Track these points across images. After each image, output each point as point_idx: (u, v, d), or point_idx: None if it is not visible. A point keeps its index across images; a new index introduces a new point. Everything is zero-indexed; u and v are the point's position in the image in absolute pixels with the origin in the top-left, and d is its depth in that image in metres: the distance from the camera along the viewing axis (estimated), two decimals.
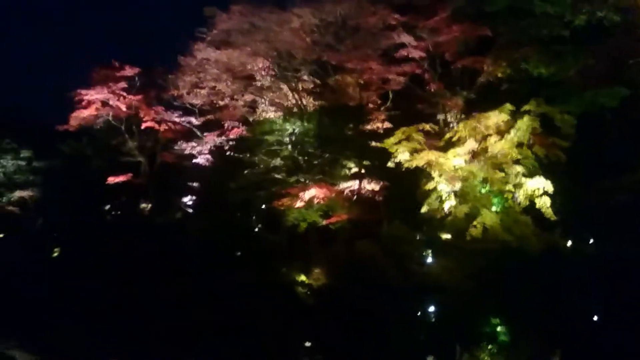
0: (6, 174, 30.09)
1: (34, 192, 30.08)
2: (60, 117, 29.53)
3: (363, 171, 24.36)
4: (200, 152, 28.19)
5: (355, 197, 23.97)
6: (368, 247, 22.04)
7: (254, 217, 27.08)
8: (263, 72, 26.43)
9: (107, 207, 30.00)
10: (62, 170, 30.00)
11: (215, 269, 22.44)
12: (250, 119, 27.50)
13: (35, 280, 23.06)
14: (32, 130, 31.14)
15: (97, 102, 28.00)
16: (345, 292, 20.37)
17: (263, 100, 27.20)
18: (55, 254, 26.56)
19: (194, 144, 28.29)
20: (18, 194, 29.90)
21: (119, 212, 29.92)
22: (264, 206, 25.89)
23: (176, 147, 28.71)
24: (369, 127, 24.81)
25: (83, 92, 27.79)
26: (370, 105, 25.48)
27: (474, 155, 21.21)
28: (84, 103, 27.94)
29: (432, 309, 19.80)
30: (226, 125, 27.65)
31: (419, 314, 19.92)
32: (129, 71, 28.52)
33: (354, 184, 24.20)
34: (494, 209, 20.52)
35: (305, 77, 26.59)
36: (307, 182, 23.73)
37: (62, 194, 28.88)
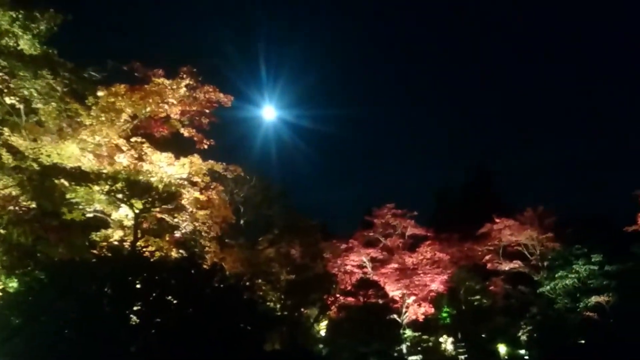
0: (580, 279, 30.56)
1: (609, 297, 29.27)
2: (628, 218, 28.78)
3: None
4: None
5: None
6: None
7: None
8: None
9: None
10: (634, 273, 28.26)
11: None
12: None
13: None
14: (600, 234, 31.02)
15: None
16: None
17: None
18: None
19: None
20: (594, 299, 29.68)
21: None
22: None
23: None
24: None
25: None
26: None
27: None
28: None
29: None
30: None
31: None
32: None
33: None
34: None
35: None
36: None
37: (635, 298, 26.99)
